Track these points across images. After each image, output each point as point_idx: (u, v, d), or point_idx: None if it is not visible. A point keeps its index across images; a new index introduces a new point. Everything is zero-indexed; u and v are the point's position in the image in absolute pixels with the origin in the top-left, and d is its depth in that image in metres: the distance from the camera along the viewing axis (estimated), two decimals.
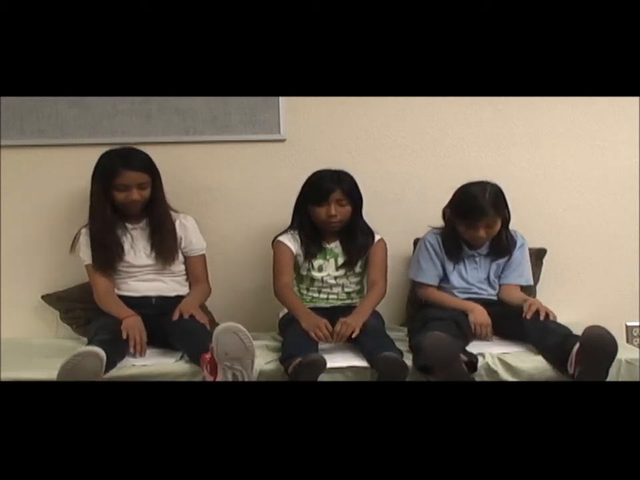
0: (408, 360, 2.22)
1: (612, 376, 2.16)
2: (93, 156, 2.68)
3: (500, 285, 2.62)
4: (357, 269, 2.54)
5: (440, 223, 2.62)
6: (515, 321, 2.40)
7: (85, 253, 2.45)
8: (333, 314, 2.39)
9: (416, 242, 2.75)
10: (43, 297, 2.87)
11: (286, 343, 2.27)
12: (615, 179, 2.97)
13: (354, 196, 2.44)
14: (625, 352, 2.31)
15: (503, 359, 2.28)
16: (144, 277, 2.48)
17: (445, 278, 2.59)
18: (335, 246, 2.52)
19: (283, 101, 2.94)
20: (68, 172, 2.92)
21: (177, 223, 2.49)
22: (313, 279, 2.53)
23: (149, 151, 2.57)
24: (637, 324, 2.89)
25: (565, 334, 2.24)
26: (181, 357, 2.30)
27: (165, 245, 2.42)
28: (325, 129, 2.97)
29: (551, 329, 2.26)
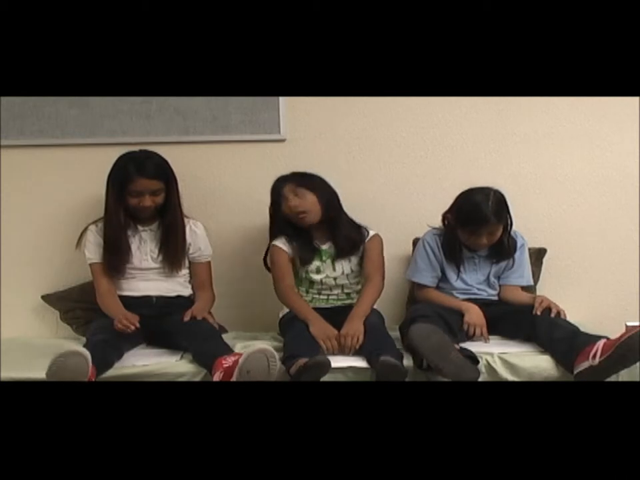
0: (408, 359, 2.22)
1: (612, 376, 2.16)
2: (92, 156, 2.69)
3: (500, 286, 2.63)
4: (355, 267, 2.52)
5: (439, 222, 2.62)
6: (516, 320, 2.40)
7: (91, 251, 2.45)
8: (334, 314, 2.42)
9: (415, 242, 2.75)
10: (43, 297, 2.87)
11: (288, 343, 2.28)
12: (615, 179, 2.97)
13: (315, 187, 2.42)
14: None
15: (503, 357, 2.28)
16: (146, 277, 2.47)
17: (443, 278, 2.59)
18: (328, 246, 2.51)
19: (282, 100, 2.94)
20: (68, 172, 2.92)
21: (187, 229, 2.49)
22: (312, 282, 2.52)
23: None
24: (637, 324, 2.89)
25: (574, 330, 2.26)
26: (181, 357, 2.30)
27: (173, 251, 2.43)
28: (325, 129, 2.97)
29: (560, 325, 2.28)
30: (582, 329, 2.29)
